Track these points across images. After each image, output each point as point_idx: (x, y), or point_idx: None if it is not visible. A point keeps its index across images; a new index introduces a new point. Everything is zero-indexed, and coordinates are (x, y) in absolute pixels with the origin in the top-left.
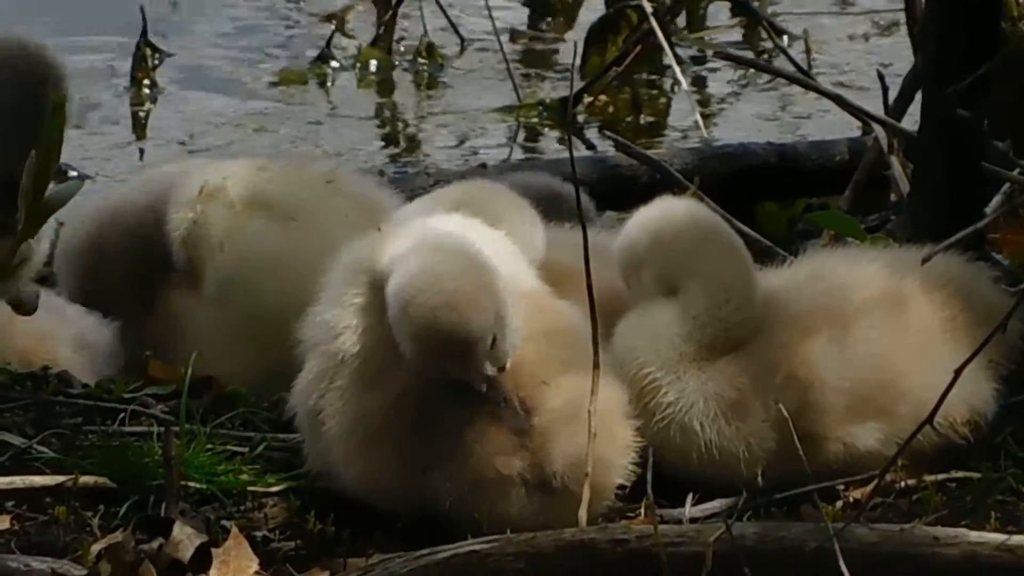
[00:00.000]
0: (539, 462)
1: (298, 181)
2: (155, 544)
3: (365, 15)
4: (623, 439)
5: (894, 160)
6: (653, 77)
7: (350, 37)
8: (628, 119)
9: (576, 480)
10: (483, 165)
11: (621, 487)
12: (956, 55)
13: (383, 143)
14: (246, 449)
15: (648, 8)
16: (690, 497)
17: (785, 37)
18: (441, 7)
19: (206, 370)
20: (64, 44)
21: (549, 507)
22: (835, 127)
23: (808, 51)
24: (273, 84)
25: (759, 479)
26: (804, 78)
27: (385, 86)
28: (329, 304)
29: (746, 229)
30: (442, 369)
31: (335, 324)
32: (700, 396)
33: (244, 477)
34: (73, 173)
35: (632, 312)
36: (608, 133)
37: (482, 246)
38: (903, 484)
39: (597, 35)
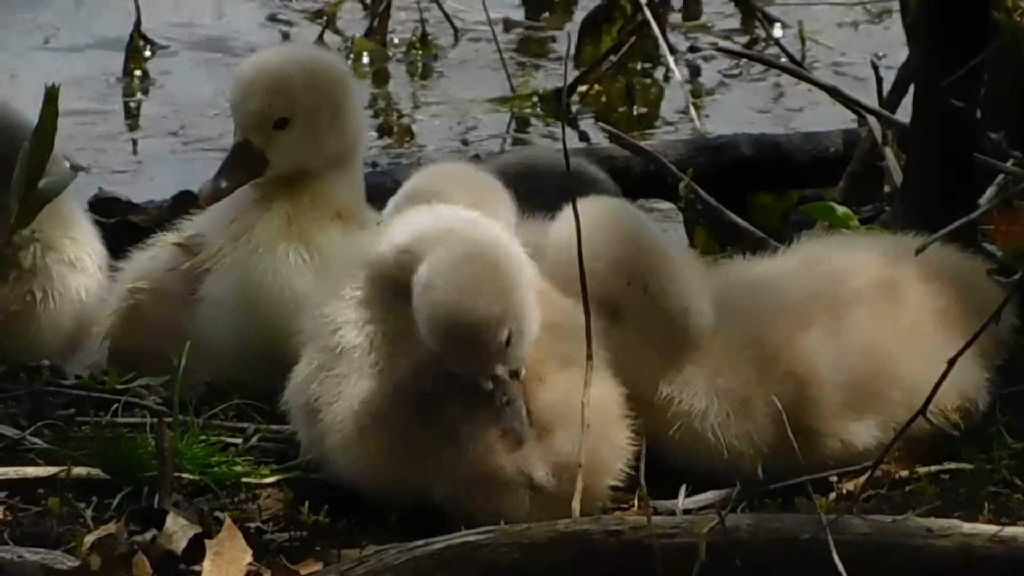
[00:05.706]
0: (536, 459)
1: None
2: (148, 535)
3: (355, 11)
4: (620, 442)
5: (888, 151)
6: (647, 66)
7: (338, 34)
8: (621, 109)
9: (571, 479)
10: (476, 156)
11: (614, 487)
12: (948, 46)
13: (377, 134)
14: (240, 440)
15: None
16: (683, 488)
17: (777, 26)
18: None
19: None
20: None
21: (544, 504)
22: (828, 118)
23: (803, 41)
24: None
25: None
26: (800, 70)
27: (379, 77)
28: (328, 298)
29: (740, 221)
30: (452, 359)
31: (335, 317)
32: (704, 388)
33: (238, 468)
34: (66, 164)
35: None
36: (603, 124)
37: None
38: (896, 475)
39: (591, 25)
